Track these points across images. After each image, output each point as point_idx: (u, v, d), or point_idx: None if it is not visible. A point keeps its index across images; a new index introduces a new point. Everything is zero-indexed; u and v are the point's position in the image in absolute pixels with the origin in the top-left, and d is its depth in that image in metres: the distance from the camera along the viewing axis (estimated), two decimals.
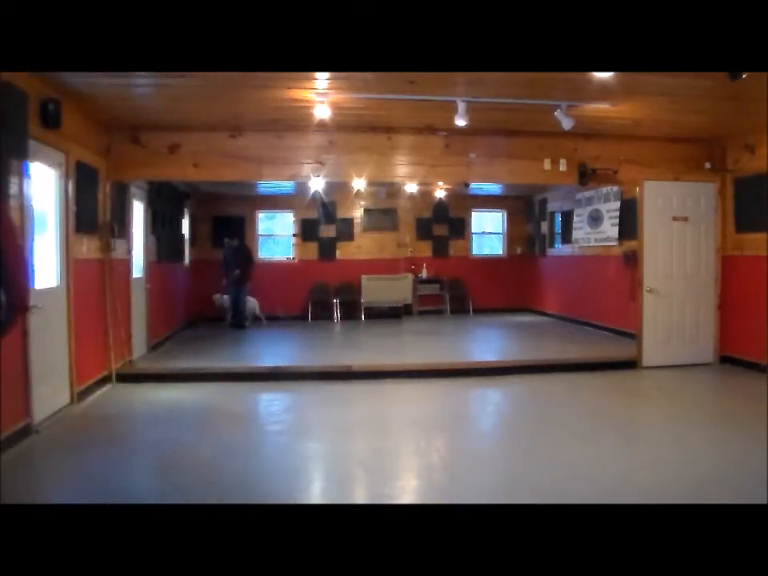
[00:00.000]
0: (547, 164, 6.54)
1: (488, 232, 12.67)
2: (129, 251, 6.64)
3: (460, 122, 5.21)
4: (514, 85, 4.76)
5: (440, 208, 11.66)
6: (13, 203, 3.99)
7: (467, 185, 8.94)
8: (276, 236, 11.99)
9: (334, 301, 11.15)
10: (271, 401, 5.57)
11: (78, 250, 5.25)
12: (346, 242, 11.58)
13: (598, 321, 9.23)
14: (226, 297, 10.05)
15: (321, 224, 11.43)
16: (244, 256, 9.90)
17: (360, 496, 3.44)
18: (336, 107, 5.21)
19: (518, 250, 12.23)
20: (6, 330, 2.09)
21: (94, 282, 5.73)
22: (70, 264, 5.01)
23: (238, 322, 9.73)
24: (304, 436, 4.48)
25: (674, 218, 6.72)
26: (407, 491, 3.47)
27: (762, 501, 2.97)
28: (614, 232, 8.68)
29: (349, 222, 11.60)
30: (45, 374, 4.49)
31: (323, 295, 11.22)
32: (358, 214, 11.66)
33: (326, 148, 6.30)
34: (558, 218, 10.85)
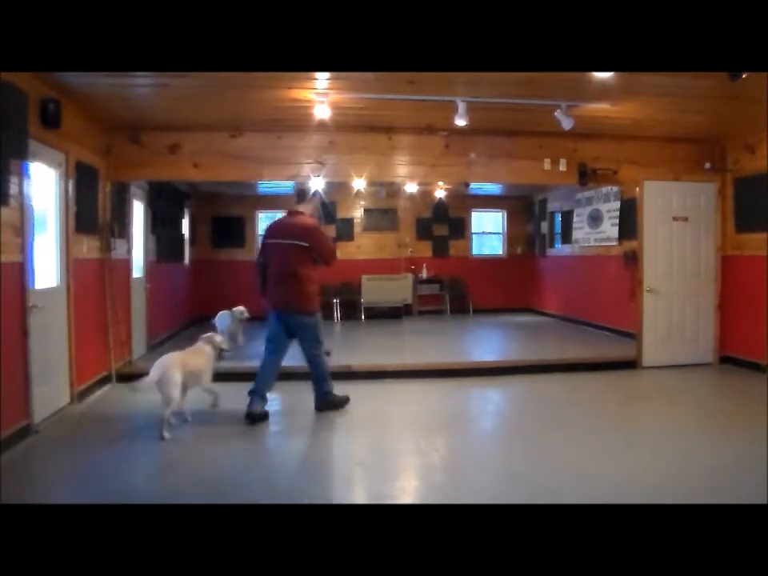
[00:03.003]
0: (547, 164, 6.54)
1: (488, 232, 12.67)
2: (129, 251, 6.65)
3: (460, 122, 5.22)
4: (514, 85, 4.76)
5: (440, 208, 11.66)
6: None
7: (467, 185, 8.94)
8: None
9: (334, 301, 11.15)
10: (270, 400, 5.56)
11: (78, 249, 5.25)
12: (346, 242, 11.58)
13: (598, 321, 9.23)
14: (235, 311, 7.47)
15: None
16: None
17: (360, 496, 3.44)
18: (336, 107, 5.22)
19: (518, 250, 12.23)
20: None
21: (94, 282, 5.73)
22: (70, 264, 5.02)
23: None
24: (303, 436, 4.49)
25: (674, 218, 6.72)
26: (407, 491, 3.47)
27: (761, 501, 2.96)
28: (614, 232, 8.68)
29: (349, 222, 11.60)
30: (45, 374, 4.49)
31: (323, 295, 11.19)
32: (358, 213, 11.66)
33: (325, 148, 6.30)
34: (558, 218, 10.85)
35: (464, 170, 6.57)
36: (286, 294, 4.62)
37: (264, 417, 4.66)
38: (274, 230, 4.83)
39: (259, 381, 4.74)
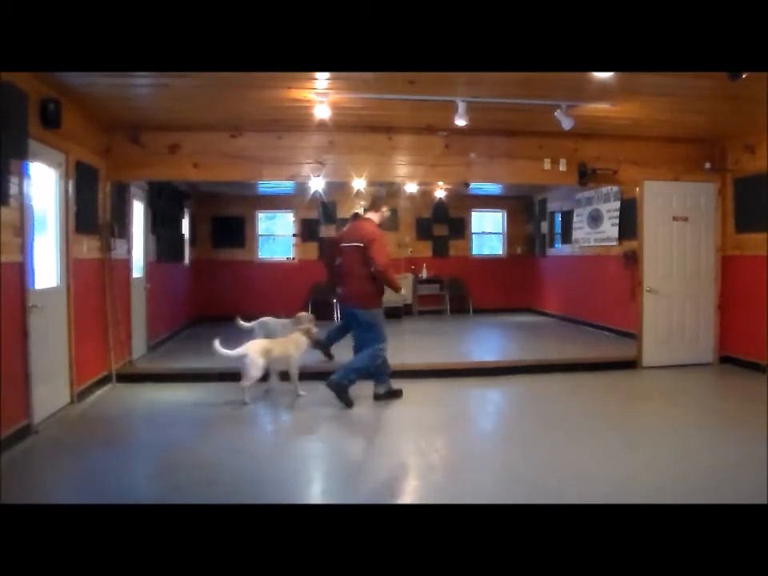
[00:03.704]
0: (547, 164, 6.54)
1: (488, 232, 12.66)
2: (129, 251, 6.64)
3: (460, 122, 5.22)
4: (514, 85, 4.75)
5: (440, 208, 11.65)
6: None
7: (467, 185, 8.93)
8: (276, 236, 11.98)
9: (334, 301, 11.13)
10: (272, 398, 5.56)
11: (78, 249, 5.24)
12: None
13: (598, 321, 9.22)
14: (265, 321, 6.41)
15: (321, 224, 11.42)
16: None
17: (360, 496, 3.44)
18: (336, 107, 5.21)
19: (518, 250, 12.22)
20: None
21: (94, 282, 5.72)
22: (70, 264, 5.01)
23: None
24: (303, 435, 4.48)
25: (674, 218, 6.72)
26: (407, 491, 3.47)
27: (761, 501, 2.96)
28: (614, 232, 8.68)
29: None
30: (45, 373, 4.49)
31: (323, 295, 11.20)
32: None
33: (325, 148, 6.30)
34: (558, 218, 10.84)
35: (464, 170, 6.57)
36: (348, 290, 5.32)
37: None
38: (344, 234, 5.65)
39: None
